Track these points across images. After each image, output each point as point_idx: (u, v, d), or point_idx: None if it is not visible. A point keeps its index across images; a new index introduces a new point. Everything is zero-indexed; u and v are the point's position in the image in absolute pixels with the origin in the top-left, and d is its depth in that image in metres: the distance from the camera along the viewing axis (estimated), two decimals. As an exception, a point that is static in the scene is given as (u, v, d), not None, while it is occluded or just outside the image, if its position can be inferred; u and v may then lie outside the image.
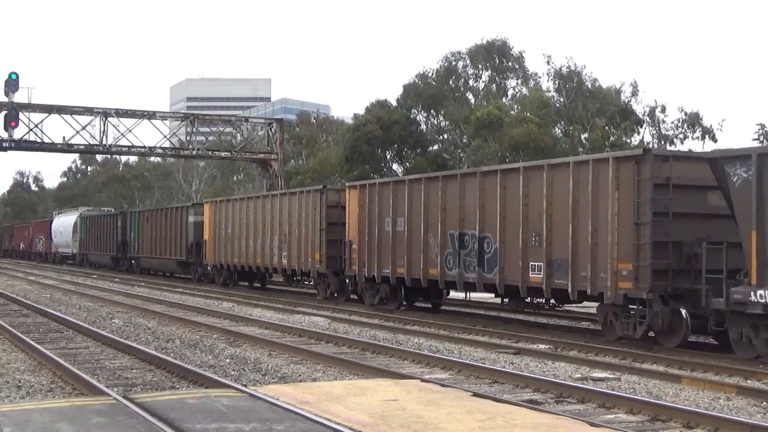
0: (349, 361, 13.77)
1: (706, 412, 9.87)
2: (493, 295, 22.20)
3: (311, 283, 31.20)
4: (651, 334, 16.43)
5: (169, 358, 13.70)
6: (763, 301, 13.56)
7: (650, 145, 52.17)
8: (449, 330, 19.40)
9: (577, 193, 17.59)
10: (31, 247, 75.79)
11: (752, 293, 13.68)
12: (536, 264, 18.69)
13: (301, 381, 12.05)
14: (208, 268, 37.54)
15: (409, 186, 23.31)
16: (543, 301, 20.45)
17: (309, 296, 30.12)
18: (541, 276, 18.44)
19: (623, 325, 16.70)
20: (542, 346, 16.53)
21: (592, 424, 8.76)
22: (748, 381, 12.65)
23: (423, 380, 11.57)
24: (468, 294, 24.05)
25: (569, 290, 17.78)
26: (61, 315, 21.35)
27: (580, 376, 12.90)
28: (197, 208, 39.65)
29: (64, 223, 64.60)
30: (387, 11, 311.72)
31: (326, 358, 14.27)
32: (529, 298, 20.35)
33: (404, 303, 24.63)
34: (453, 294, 25.30)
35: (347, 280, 26.86)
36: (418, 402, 9.64)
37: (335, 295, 27.78)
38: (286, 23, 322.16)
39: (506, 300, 21.72)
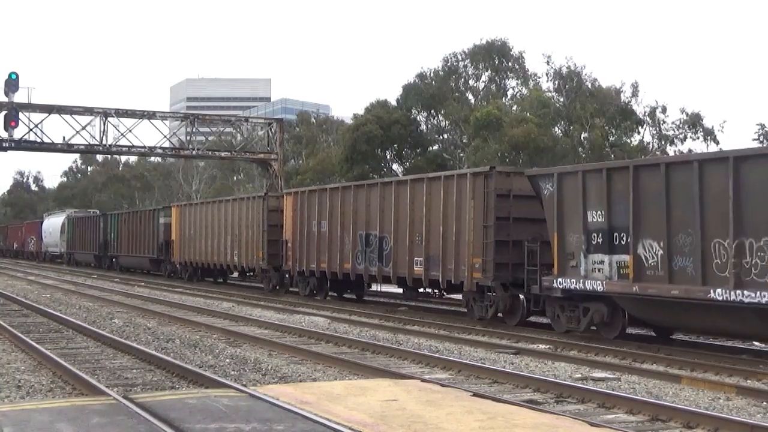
0: (349, 361, 13.77)
1: (706, 412, 9.87)
2: (397, 286, 25.26)
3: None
4: (500, 315, 20.24)
5: (169, 358, 13.69)
6: (562, 286, 17.52)
7: (649, 146, 52.24)
8: (449, 330, 19.42)
9: (446, 202, 21.47)
10: (24, 246, 79.54)
11: (555, 281, 17.69)
12: (419, 259, 22.65)
13: (301, 381, 12.05)
14: (176, 265, 41.31)
15: (330, 193, 27.14)
16: (430, 290, 24.17)
17: (259, 289, 33.28)
18: (422, 269, 22.40)
19: (480, 308, 20.67)
20: (542, 346, 16.54)
21: (592, 424, 8.75)
22: (748, 381, 12.65)
23: (423, 380, 11.56)
24: (379, 286, 27.22)
25: (440, 280, 21.80)
26: (61, 315, 21.33)
27: (580, 376, 12.90)
28: (166, 211, 43.56)
29: (53, 224, 68.66)
30: (387, 11, 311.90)
31: (326, 358, 14.27)
32: (422, 289, 24.01)
33: (331, 293, 28.37)
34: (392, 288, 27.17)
35: (286, 275, 30.42)
36: (418, 402, 9.63)
37: (277, 287, 31.21)
38: (286, 23, 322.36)
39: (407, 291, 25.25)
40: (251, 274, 35.65)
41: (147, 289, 34.14)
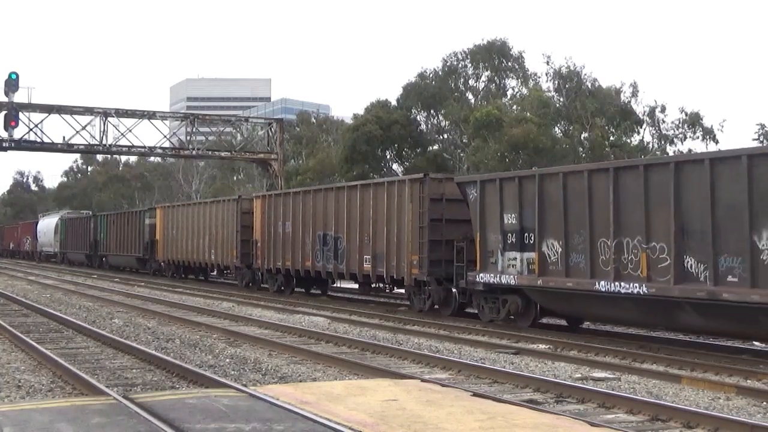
0: (349, 361, 13.76)
1: (706, 412, 9.86)
2: (352, 282, 27.49)
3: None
4: (436, 306, 22.28)
5: (169, 358, 13.68)
6: (483, 281, 19.70)
7: (649, 146, 52.22)
8: (449, 330, 19.41)
9: (390, 205, 23.67)
10: (20, 246, 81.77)
11: (478, 276, 19.83)
12: (367, 257, 24.75)
13: (301, 381, 12.04)
14: (160, 263, 43.65)
15: (293, 197, 29.64)
16: (381, 285, 25.79)
17: (234, 286, 35.96)
18: (370, 266, 24.58)
19: (419, 301, 22.88)
20: (542, 346, 16.53)
21: (592, 424, 8.74)
22: (748, 381, 12.63)
23: (423, 380, 11.55)
24: (337, 282, 29.58)
25: (385, 276, 23.92)
26: (61, 315, 21.33)
27: (580, 376, 12.90)
28: (151, 212, 45.81)
29: (48, 224, 70.93)
30: (387, 11, 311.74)
31: (326, 358, 14.26)
32: (373, 284, 25.83)
33: (297, 290, 30.57)
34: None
35: (257, 272, 32.67)
36: (418, 402, 9.63)
37: (249, 284, 33.47)
38: (286, 23, 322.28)
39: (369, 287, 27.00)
40: (228, 271, 38.01)
41: (147, 289, 34.14)
